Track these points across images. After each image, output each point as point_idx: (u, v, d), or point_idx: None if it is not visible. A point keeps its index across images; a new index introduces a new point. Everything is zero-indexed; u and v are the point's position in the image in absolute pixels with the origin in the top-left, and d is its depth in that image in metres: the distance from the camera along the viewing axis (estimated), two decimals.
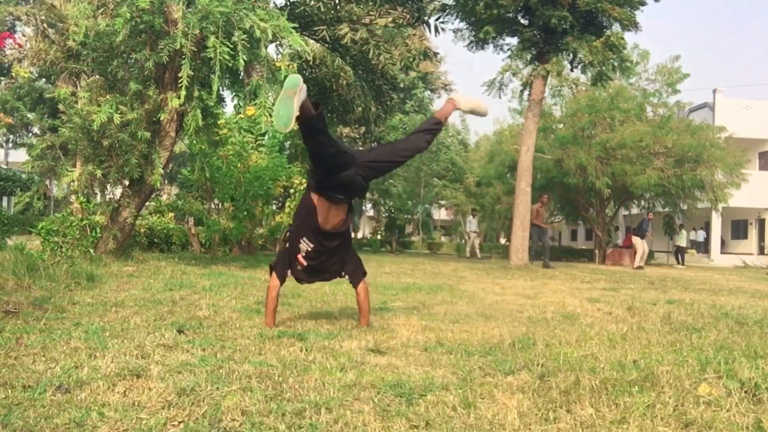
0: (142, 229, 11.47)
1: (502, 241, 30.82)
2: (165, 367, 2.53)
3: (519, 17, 14.20)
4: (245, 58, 6.97)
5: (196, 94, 7.66)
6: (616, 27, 13.47)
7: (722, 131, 19.91)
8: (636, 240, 17.40)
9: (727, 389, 2.35)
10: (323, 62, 14.23)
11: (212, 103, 8.45)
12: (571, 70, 15.43)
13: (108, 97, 7.53)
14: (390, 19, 12.12)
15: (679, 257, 22.04)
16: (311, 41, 12.38)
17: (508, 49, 14.86)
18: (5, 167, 27.29)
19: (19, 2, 14.44)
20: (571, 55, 13.79)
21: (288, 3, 11.43)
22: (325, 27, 11.28)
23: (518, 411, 2.12)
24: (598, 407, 2.15)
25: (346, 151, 3.74)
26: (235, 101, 11.70)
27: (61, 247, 7.21)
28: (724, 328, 4.07)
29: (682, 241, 22.86)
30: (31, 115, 17.78)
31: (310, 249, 3.63)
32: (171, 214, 13.52)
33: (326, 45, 12.53)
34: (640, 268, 16.20)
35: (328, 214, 3.61)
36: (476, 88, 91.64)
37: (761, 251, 27.48)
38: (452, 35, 21.16)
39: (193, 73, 7.24)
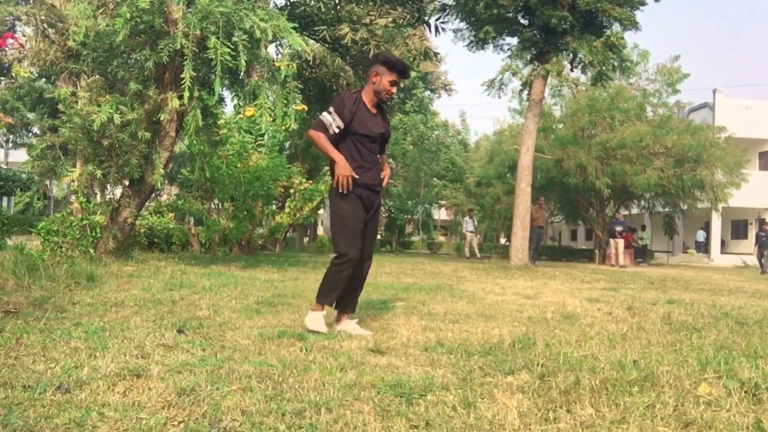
0: (142, 229, 11.46)
1: (502, 241, 30.83)
2: (165, 367, 2.53)
3: (519, 17, 14.21)
4: (246, 59, 6.97)
5: (196, 94, 7.67)
6: (616, 27, 13.48)
7: (722, 131, 19.92)
8: (612, 241, 18.25)
9: (727, 389, 2.34)
10: (323, 62, 14.24)
11: (212, 103, 8.45)
12: (571, 70, 15.45)
13: (108, 97, 7.53)
14: (390, 19, 12.13)
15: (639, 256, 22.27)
16: (311, 41, 12.39)
17: (508, 49, 14.89)
18: (5, 167, 27.28)
19: (19, 2, 14.42)
20: (571, 55, 13.80)
21: (288, 3, 11.45)
22: (325, 27, 11.29)
23: (518, 411, 2.12)
24: (598, 407, 2.15)
25: None
26: (235, 101, 11.70)
27: (61, 247, 7.21)
28: (724, 328, 4.07)
29: (645, 239, 23.05)
30: (31, 115, 17.76)
31: None
32: (171, 215, 13.52)
33: (326, 45, 12.54)
34: (613, 266, 17.00)
35: None
36: (476, 87, 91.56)
37: None
38: (452, 35, 21.16)
39: (194, 74, 7.25)
